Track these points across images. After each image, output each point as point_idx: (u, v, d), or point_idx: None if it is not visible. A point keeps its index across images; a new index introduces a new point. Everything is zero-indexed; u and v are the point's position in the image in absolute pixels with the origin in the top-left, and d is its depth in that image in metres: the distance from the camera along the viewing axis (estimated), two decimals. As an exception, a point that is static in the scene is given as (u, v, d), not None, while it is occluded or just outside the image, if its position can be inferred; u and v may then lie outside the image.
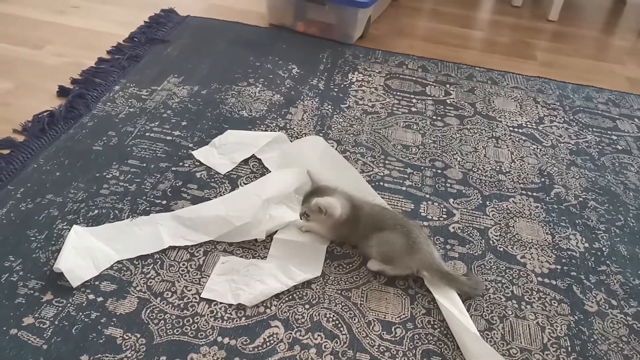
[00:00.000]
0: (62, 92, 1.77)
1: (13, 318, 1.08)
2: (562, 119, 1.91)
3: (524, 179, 1.61)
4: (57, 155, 1.51)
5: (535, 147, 1.76)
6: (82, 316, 1.10)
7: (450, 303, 1.18)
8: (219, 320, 1.13)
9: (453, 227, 1.42)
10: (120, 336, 1.07)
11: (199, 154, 1.57)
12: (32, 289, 1.14)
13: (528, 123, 1.88)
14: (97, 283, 1.17)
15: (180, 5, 2.38)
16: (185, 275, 1.22)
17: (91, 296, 1.14)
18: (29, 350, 1.03)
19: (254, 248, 1.31)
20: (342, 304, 1.20)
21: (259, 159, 1.56)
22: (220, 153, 1.56)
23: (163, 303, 1.15)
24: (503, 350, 1.13)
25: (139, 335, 1.08)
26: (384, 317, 1.18)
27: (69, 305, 1.12)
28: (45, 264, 1.19)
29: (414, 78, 2.08)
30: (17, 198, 1.35)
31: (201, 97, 1.83)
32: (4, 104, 1.69)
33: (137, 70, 1.95)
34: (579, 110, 1.97)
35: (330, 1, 2.12)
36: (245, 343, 1.09)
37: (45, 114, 1.64)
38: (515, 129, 1.84)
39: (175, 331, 1.10)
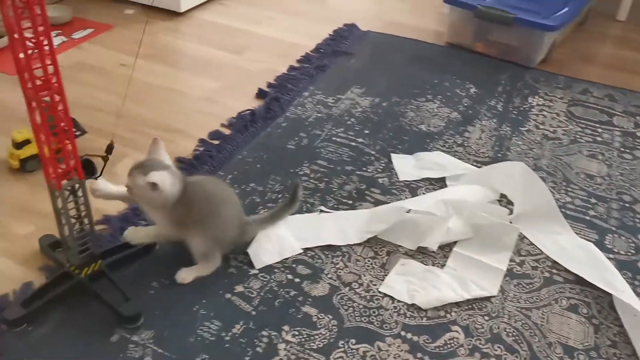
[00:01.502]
0: (260, 94, 1.96)
1: (227, 285, 1.23)
2: None
3: None
4: (257, 150, 1.68)
5: None
6: (283, 292, 1.23)
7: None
8: (401, 317, 1.20)
9: (642, 263, 1.36)
10: (315, 315, 1.18)
11: (397, 158, 1.67)
12: (241, 262, 1.29)
13: None
14: (294, 266, 1.30)
15: (361, 21, 2.52)
16: (371, 271, 1.30)
17: (290, 276, 1.27)
18: (240, 313, 1.18)
19: (433, 256, 1.36)
20: (522, 321, 1.20)
21: (444, 182, 1.60)
22: (415, 165, 1.64)
23: (351, 292, 1.24)
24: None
25: (331, 317, 1.18)
26: (566, 342, 1.16)
27: (271, 281, 1.25)
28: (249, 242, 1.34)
29: (599, 107, 2.00)
30: (227, 183, 1.53)
31: (382, 109, 1.93)
32: (214, 101, 1.91)
33: (324, 79, 2.10)
34: None
35: (517, 23, 2.12)
36: (427, 341, 1.15)
37: (247, 112, 1.84)
38: None
39: (362, 319, 1.18)
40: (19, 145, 1.48)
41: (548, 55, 2.25)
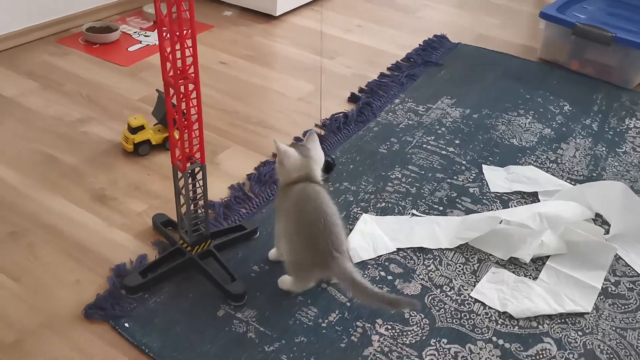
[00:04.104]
0: (352, 98, 2.02)
1: (322, 277, 1.29)
2: None
3: None
4: (350, 151, 1.74)
5: None
6: (377, 287, 1.26)
7: None
8: (493, 323, 1.21)
9: None
10: (407, 312, 1.21)
11: (488, 169, 1.68)
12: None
13: None
14: (387, 264, 1.33)
15: (452, 33, 2.54)
16: (462, 276, 1.32)
17: (382, 273, 1.31)
18: (336, 303, 1.23)
19: (525, 268, 1.36)
20: (617, 340, 1.19)
21: (537, 197, 1.59)
22: (506, 177, 1.64)
23: (442, 295, 1.27)
24: None
25: (423, 316, 1.21)
26: (664, 365, 1.14)
27: (365, 276, 1.30)
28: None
29: (701, 132, 1.94)
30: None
31: (472, 120, 1.94)
32: (309, 102, 1.99)
33: (414, 87, 2.13)
34: None
35: (617, 42, 2.09)
36: (518, 349, 1.15)
37: (340, 114, 1.90)
38: None
39: (454, 321, 1.21)
40: (134, 130, 1.60)
41: (647, 78, 2.19)
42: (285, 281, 1.24)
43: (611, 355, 1.16)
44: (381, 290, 1.18)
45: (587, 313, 1.25)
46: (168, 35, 1.01)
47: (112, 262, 1.28)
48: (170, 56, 1.02)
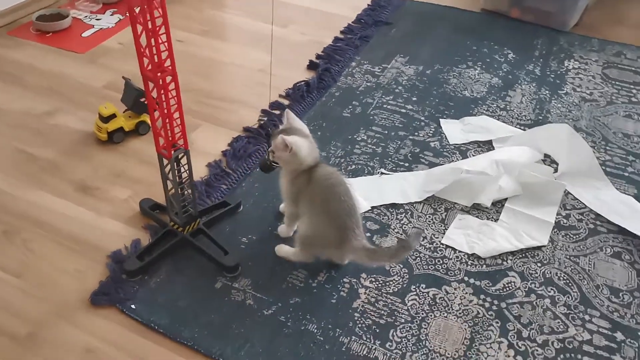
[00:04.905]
0: (311, 65, 2.09)
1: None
2: None
3: None
4: (316, 118, 1.82)
5: None
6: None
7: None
8: (463, 264, 1.35)
9: (678, 214, 1.49)
10: (387, 265, 1.34)
11: (445, 123, 1.80)
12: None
13: None
14: (364, 222, 1.45)
15: (399, -10, 2.60)
16: (432, 225, 1.46)
17: (361, 231, 1.43)
18: (322, 263, 1.34)
19: (487, 211, 1.50)
20: (571, 267, 1.36)
21: (492, 144, 1.72)
22: (462, 129, 1.77)
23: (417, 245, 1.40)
24: None
25: (402, 266, 1.34)
26: (612, 284, 1.31)
27: (346, 235, 1.41)
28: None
29: (633, 68, 2.10)
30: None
31: (426, 77, 2.05)
32: (268, 73, 2.03)
33: (368, 49, 2.21)
34: None
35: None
36: (488, 285, 1.30)
37: (302, 83, 1.97)
38: None
39: (429, 267, 1.34)
40: (106, 119, 1.63)
41: (581, 19, 2.33)
42: (285, 250, 1.33)
43: (567, 281, 1.32)
44: (391, 246, 1.36)
45: (544, 246, 1.41)
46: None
47: (107, 249, 1.35)
48: (147, 51, 1.08)
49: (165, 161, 1.24)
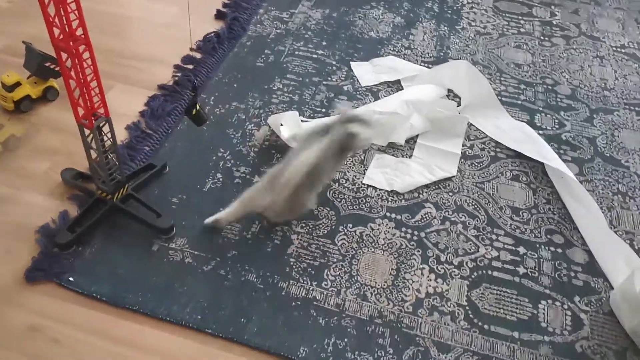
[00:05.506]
0: (219, 15, 2.06)
1: (237, 193, 1.43)
2: (662, 40, 2.08)
3: (627, 95, 1.83)
4: (230, 70, 1.83)
5: (638, 65, 1.96)
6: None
7: (570, 196, 1.47)
8: (385, 201, 1.47)
9: (565, 136, 1.68)
10: (315, 208, 1.43)
11: (355, 65, 1.86)
12: (243, 172, 1.50)
13: (630, 43, 2.06)
14: (289, 171, 1.51)
15: None
16: (352, 167, 1.55)
17: (287, 180, 1.50)
18: (254, 216, 1.39)
19: (401, 149, 1.61)
20: (478, 193, 1.51)
21: (400, 84, 1.82)
22: (372, 70, 1.84)
23: (341, 187, 1.49)
24: (611, 231, 1.43)
25: (329, 209, 1.43)
26: (513, 204, 1.49)
27: (273, 186, 1.47)
28: (247, 155, 1.54)
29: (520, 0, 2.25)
30: (211, 104, 1.69)
31: (333, 20, 2.09)
32: (176, 25, 1.99)
33: (274, -7, 2.20)
34: (679, 32, 2.12)
35: None
36: (407, 218, 1.43)
37: (212, 34, 1.95)
38: (618, 49, 2.03)
39: (354, 207, 1.45)
40: (10, 88, 1.55)
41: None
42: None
43: (475, 206, 1.48)
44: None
45: (454, 176, 1.55)
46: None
47: (34, 225, 1.33)
48: (57, 21, 1.05)
49: (87, 131, 1.22)
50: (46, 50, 1.54)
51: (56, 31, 1.06)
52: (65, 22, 1.05)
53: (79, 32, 1.08)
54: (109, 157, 1.29)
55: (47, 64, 1.58)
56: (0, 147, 1.50)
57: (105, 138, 1.26)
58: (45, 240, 1.30)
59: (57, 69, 1.62)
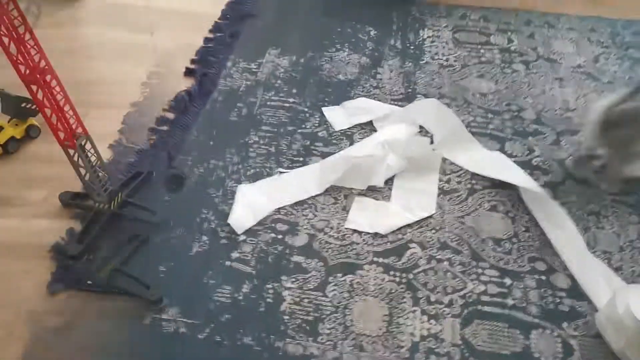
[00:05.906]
0: (188, 72, 2.09)
1: (224, 254, 1.46)
2: (615, 56, 2.17)
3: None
4: (205, 127, 1.85)
5: (595, 84, 2.04)
6: (272, 249, 1.48)
7: (548, 220, 1.52)
8: (370, 246, 1.50)
9: (535, 161, 1.74)
10: (303, 261, 1.45)
11: (327, 110, 1.91)
12: (229, 232, 1.52)
13: (585, 62, 2.15)
14: (274, 225, 1.54)
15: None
16: (336, 215, 1.58)
17: (272, 235, 1.52)
18: (243, 275, 1.42)
19: (381, 190, 1.65)
20: (459, 227, 1.55)
21: (372, 124, 1.86)
22: (344, 114, 1.89)
23: (326, 236, 1.52)
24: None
25: (317, 260, 1.46)
26: (494, 235, 1.53)
27: (259, 242, 1.49)
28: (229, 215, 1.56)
29: (477, 29, 2.33)
30: (190, 165, 1.71)
31: (301, 66, 2.13)
32: (148, 86, 2.02)
33: (240, 45, 2.24)
34: (629, 46, 2.22)
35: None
36: (395, 261, 1.46)
37: (183, 93, 1.98)
38: (576, 69, 2.11)
39: (342, 255, 1.47)
40: (-7, 134, 1.66)
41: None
42: None
43: (458, 241, 1.52)
44: None
45: (434, 213, 1.58)
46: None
47: (46, 245, 1.47)
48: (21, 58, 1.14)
49: (71, 151, 1.33)
50: (19, 93, 1.64)
51: (22, 68, 1.16)
52: (28, 58, 1.15)
53: (42, 64, 1.18)
54: (97, 170, 1.40)
55: (23, 105, 1.70)
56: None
57: (89, 154, 1.36)
58: (58, 256, 1.43)
59: (34, 107, 1.72)
